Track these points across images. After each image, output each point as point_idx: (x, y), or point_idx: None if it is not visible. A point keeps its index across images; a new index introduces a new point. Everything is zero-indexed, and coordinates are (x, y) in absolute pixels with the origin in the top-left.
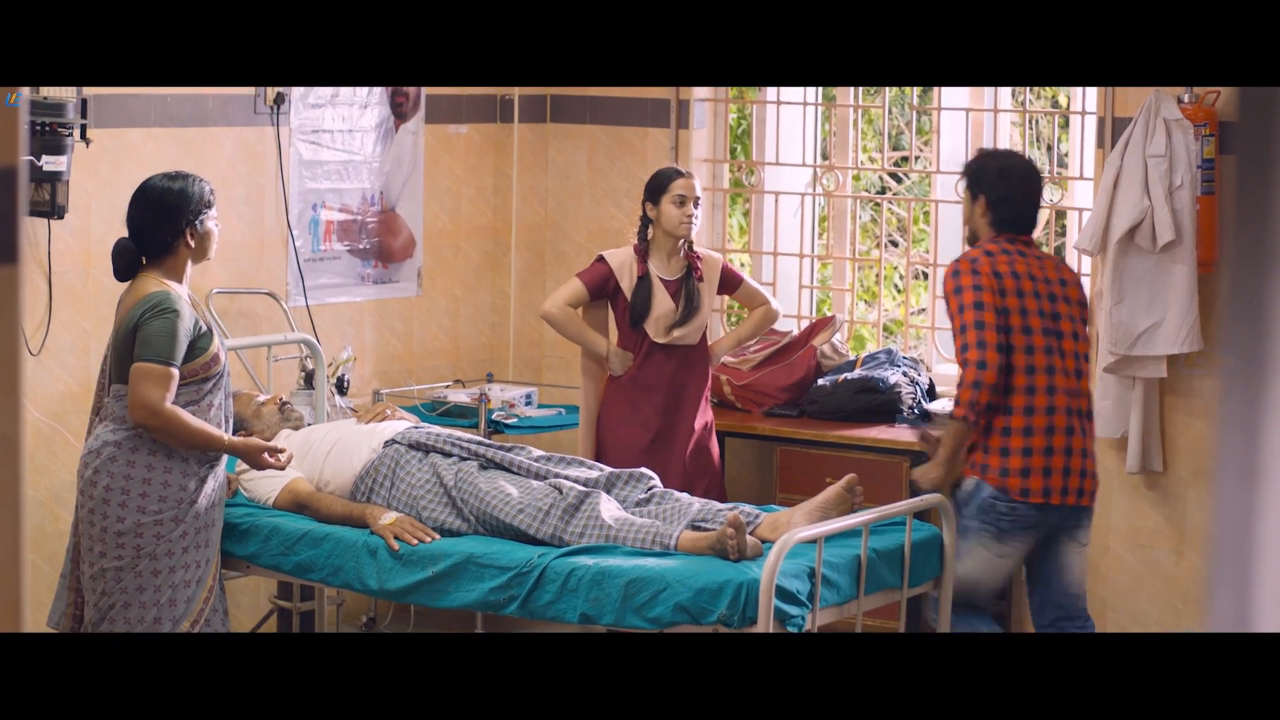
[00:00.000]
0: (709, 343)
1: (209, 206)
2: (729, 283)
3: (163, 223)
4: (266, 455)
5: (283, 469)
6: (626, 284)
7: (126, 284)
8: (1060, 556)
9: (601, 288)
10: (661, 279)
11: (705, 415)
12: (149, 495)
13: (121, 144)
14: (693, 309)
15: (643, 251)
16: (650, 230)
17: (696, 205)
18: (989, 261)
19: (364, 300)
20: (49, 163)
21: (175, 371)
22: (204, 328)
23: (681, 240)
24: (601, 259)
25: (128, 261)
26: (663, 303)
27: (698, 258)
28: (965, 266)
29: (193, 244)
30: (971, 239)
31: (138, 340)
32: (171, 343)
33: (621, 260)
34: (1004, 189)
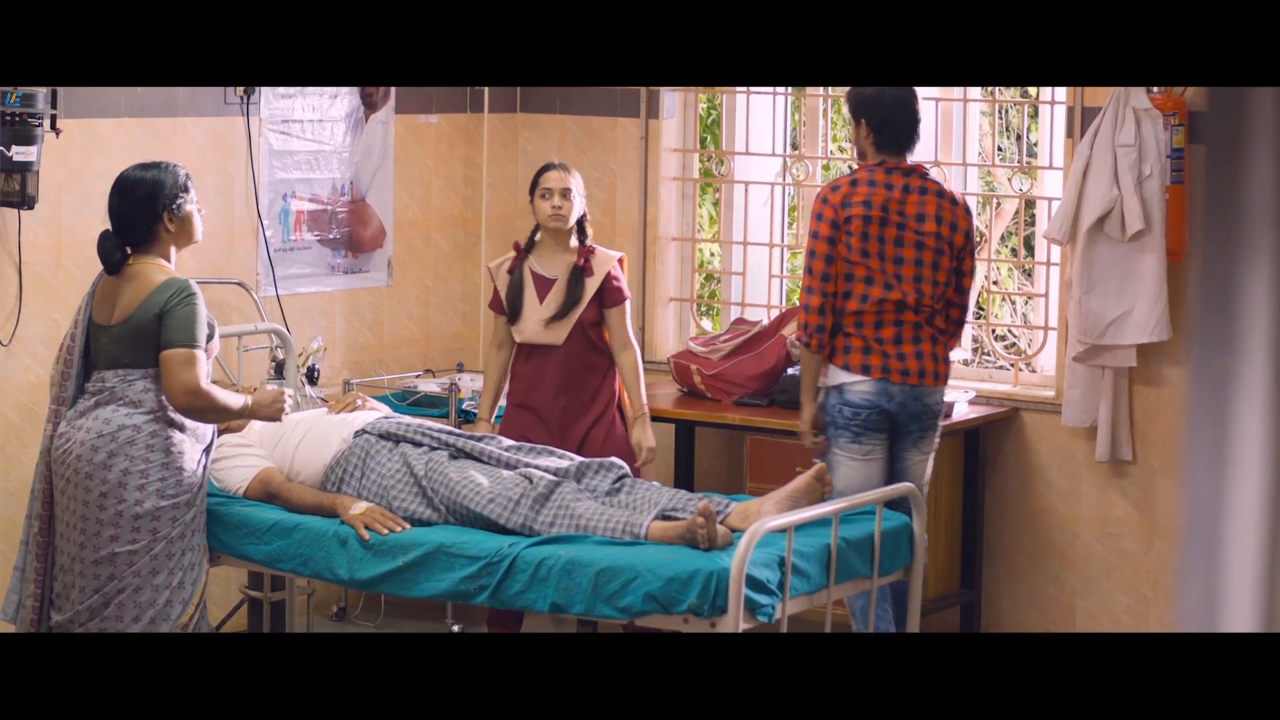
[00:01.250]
0: (601, 352)
1: (185, 190)
2: (611, 294)
3: (140, 210)
4: (282, 409)
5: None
6: (500, 285)
7: (115, 274)
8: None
9: (500, 301)
10: (541, 275)
11: (585, 418)
12: (167, 480)
13: (91, 134)
14: (572, 303)
15: (521, 249)
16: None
17: (566, 196)
18: (844, 193)
19: (334, 290)
20: (19, 153)
21: (203, 354)
22: (210, 316)
23: (562, 233)
24: (487, 270)
25: (111, 251)
26: (531, 300)
27: (590, 252)
28: (821, 195)
29: (172, 228)
30: (861, 158)
31: (167, 326)
32: (197, 327)
33: (497, 263)
34: (880, 113)
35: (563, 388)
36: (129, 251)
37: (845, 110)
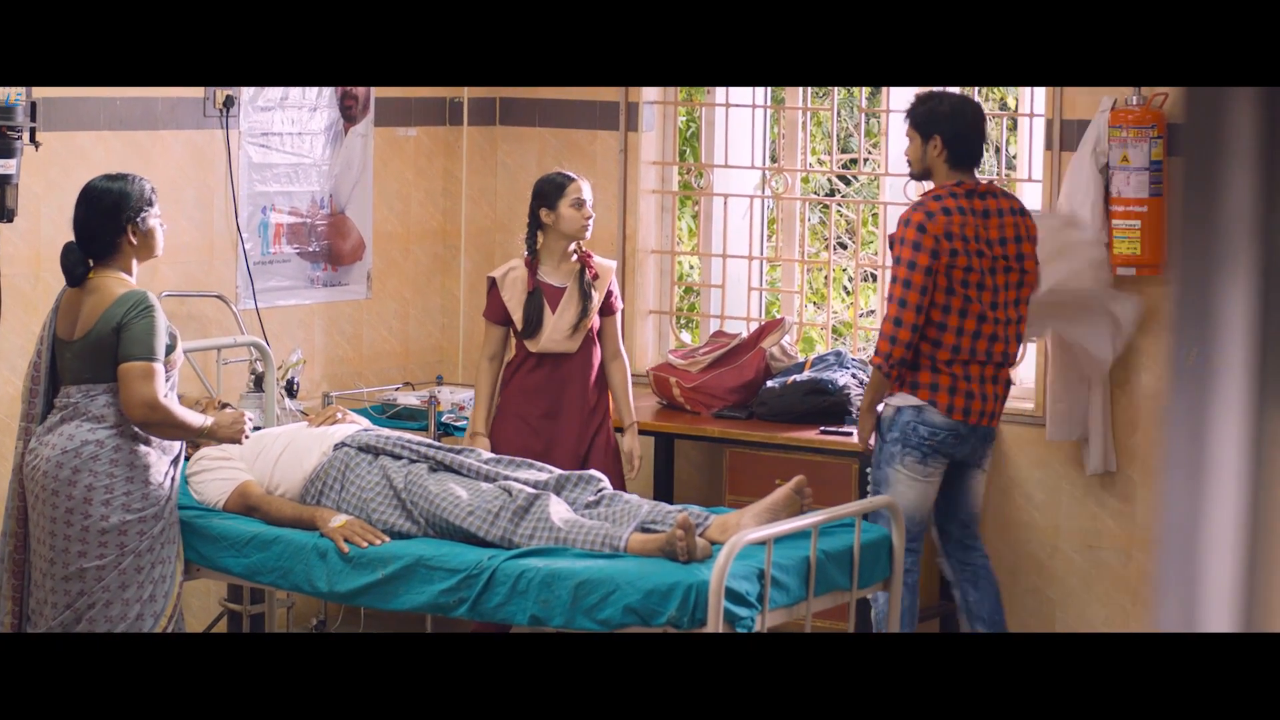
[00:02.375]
0: (602, 358)
1: (150, 205)
2: (609, 303)
3: (104, 222)
4: (242, 430)
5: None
6: (513, 300)
7: (77, 287)
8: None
9: (505, 313)
10: (550, 285)
11: (592, 423)
12: (133, 494)
13: (71, 147)
14: (587, 309)
15: (533, 264)
16: (540, 237)
17: (591, 205)
18: (941, 222)
19: (314, 303)
20: None
21: (161, 367)
22: (172, 327)
23: (574, 243)
24: (491, 283)
25: (74, 263)
26: (548, 312)
27: (589, 256)
28: (916, 220)
29: (135, 241)
30: (922, 176)
31: (125, 339)
32: (156, 340)
33: (503, 273)
34: (958, 127)
35: (583, 395)
36: (91, 264)
37: (907, 124)
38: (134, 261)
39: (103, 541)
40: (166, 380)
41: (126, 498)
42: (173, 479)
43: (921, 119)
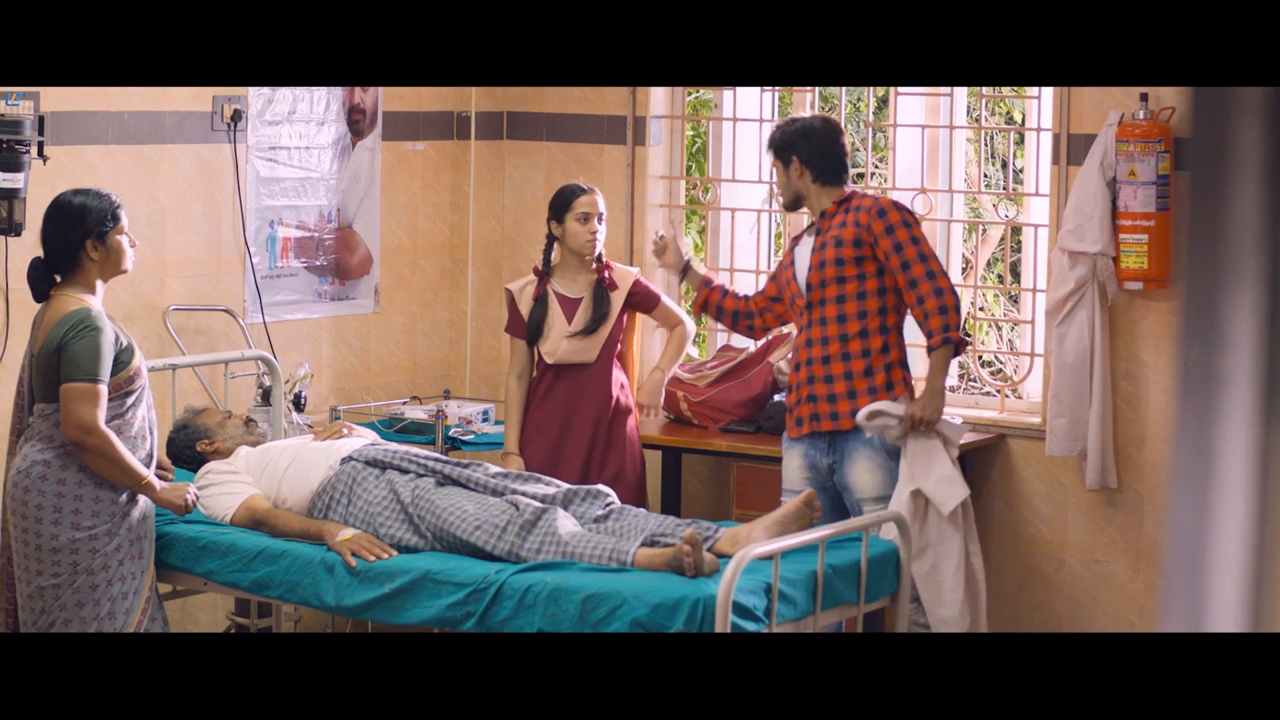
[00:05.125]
0: (641, 376)
1: (114, 220)
2: (645, 300)
3: (63, 236)
4: (185, 498)
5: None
6: (525, 308)
7: (43, 302)
8: None
9: (524, 325)
10: (565, 296)
11: (603, 440)
12: (81, 511)
13: (79, 161)
14: (600, 317)
15: (542, 273)
16: (555, 249)
17: (601, 221)
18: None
19: (321, 317)
20: (6, 180)
21: (104, 388)
22: (124, 342)
23: (588, 256)
24: (510, 296)
25: (39, 279)
26: (558, 322)
27: (609, 267)
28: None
29: (95, 257)
30: (794, 205)
31: (64, 360)
32: (97, 360)
33: (519, 286)
34: (812, 144)
35: (601, 408)
36: (57, 280)
37: (769, 155)
38: (98, 279)
39: (55, 560)
40: (132, 391)
41: (75, 516)
42: (130, 496)
43: (776, 145)
